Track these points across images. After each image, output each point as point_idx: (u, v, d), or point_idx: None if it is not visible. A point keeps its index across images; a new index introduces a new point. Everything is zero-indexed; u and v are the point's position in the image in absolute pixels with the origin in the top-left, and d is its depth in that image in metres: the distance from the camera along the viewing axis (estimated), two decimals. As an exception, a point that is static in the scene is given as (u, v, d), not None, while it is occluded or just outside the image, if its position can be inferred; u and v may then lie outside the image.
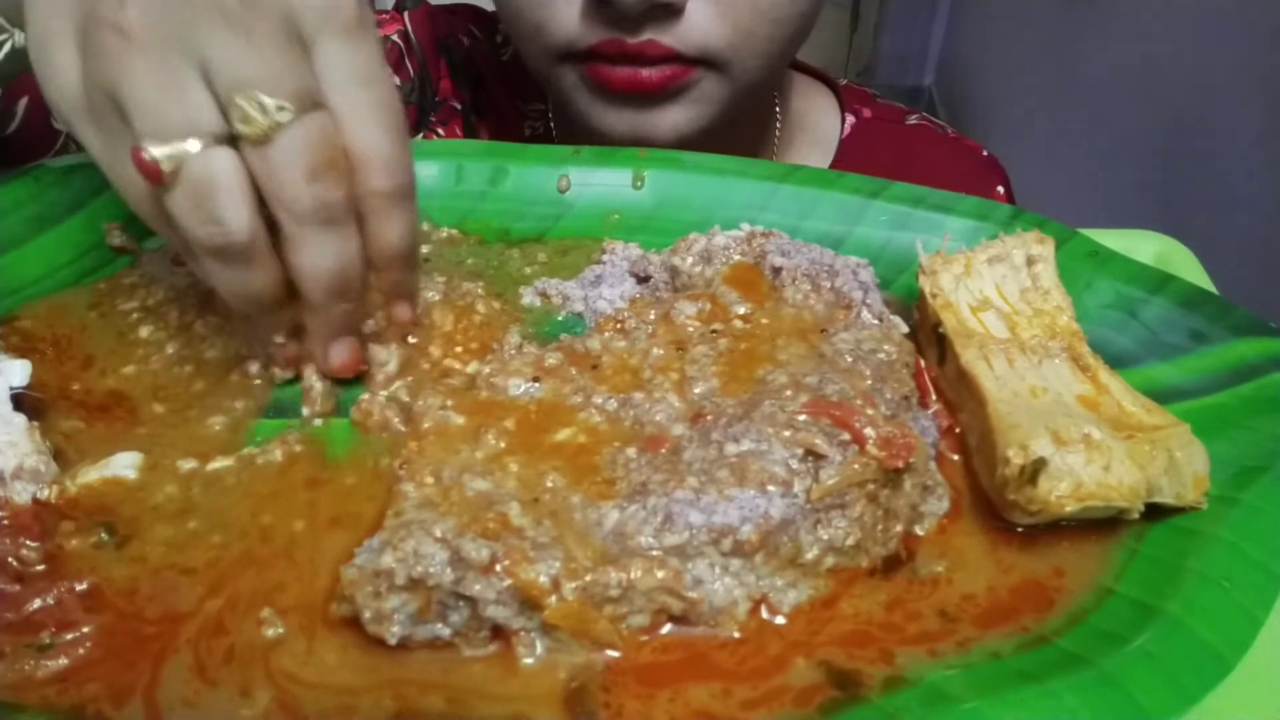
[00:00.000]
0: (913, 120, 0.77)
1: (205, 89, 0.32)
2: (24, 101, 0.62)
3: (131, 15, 0.31)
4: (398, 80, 0.72)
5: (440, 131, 0.73)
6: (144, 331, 0.43)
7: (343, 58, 0.34)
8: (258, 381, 0.41)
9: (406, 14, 0.75)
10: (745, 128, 0.71)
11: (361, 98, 0.35)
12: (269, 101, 0.32)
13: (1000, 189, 0.74)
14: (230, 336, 0.42)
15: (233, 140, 0.33)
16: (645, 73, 0.56)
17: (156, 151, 0.32)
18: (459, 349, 0.42)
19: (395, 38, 0.72)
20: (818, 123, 0.76)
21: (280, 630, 0.31)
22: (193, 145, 0.32)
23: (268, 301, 0.36)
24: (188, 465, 0.37)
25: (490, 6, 0.75)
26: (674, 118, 0.59)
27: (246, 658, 0.30)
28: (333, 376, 0.40)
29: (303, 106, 0.33)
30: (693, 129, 0.60)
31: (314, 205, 0.34)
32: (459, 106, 0.74)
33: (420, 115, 0.73)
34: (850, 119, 0.76)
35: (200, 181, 0.32)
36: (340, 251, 0.35)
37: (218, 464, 0.37)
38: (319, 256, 0.35)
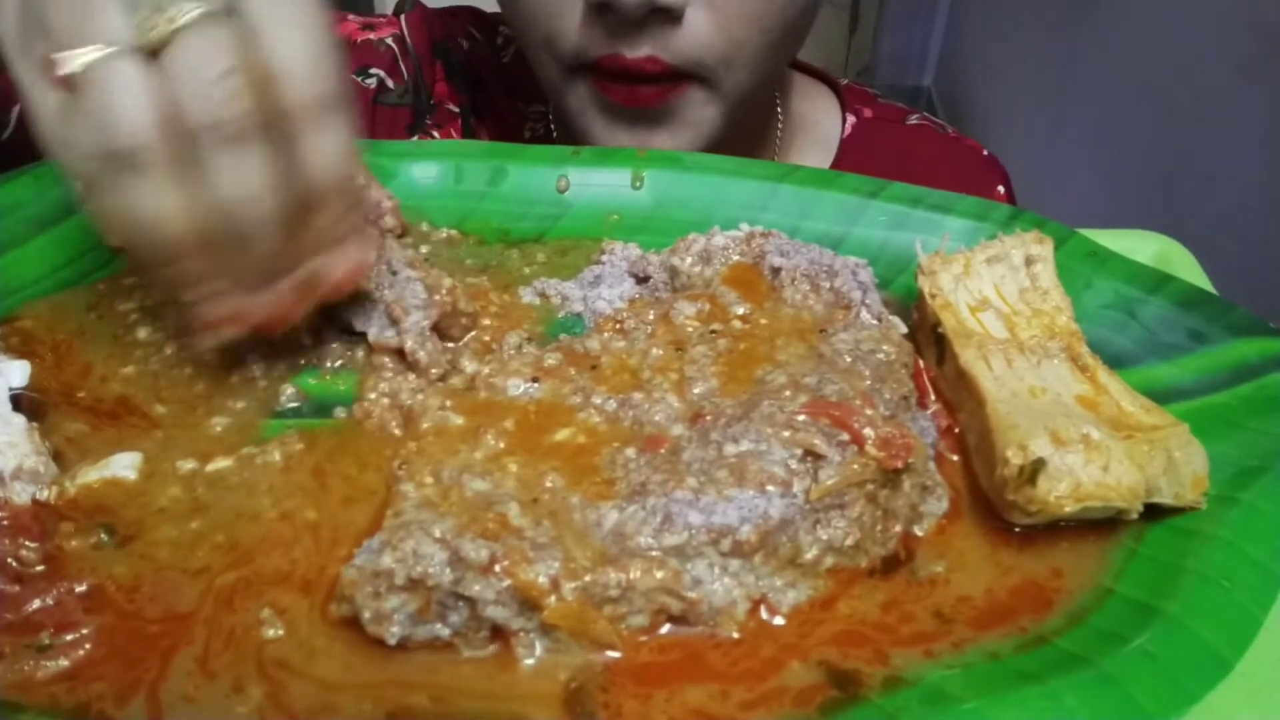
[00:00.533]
0: (913, 120, 0.77)
1: (121, 7, 0.30)
2: (17, 110, 0.62)
3: None
4: (391, 83, 0.72)
5: (436, 135, 0.73)
6: (143, 333, 0.43)
7: None
8: (263, 383, 0.40)
9: (403, 17, 0.75)
10: (747, 128, 0.71)
11: (277, 5, 0.32)
12: (171, 6, 0.30)
13: (1000, 188, 0.74)
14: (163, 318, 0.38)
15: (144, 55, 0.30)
16: (644, 90, 0.57)
17: (62, 56, 0.30)
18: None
19: (390, 41, 0.72)
20: (819, 123, 0.76)
21: (280, 630, 0.31)
22: (97, 52, 0.30)
23: (172, 232, 0.31)
24: (188, 465, 0.37)
25: (489, 8, 0.75)
26: (672, 134, 0.60)
27: (246, 657, 0.30)
28: (268, 338, 0.35)
29: (207, 15, 0.30)
30: (692, 146, 0.61)
31: (219, 113, 0.30)
32: (456, 110, 0.74)
33: (415, 118, 0.73)
34: (851, 119, 0.76)
35: (100, 85, 0.30)
36: (248, 168, 0.31)
37: (218, 464, 0.37)
38: (224, 176, 0.31)
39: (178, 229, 0.32)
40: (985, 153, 0.76)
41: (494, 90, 0.76)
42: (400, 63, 0.72)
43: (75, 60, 0.30)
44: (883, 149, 0.75)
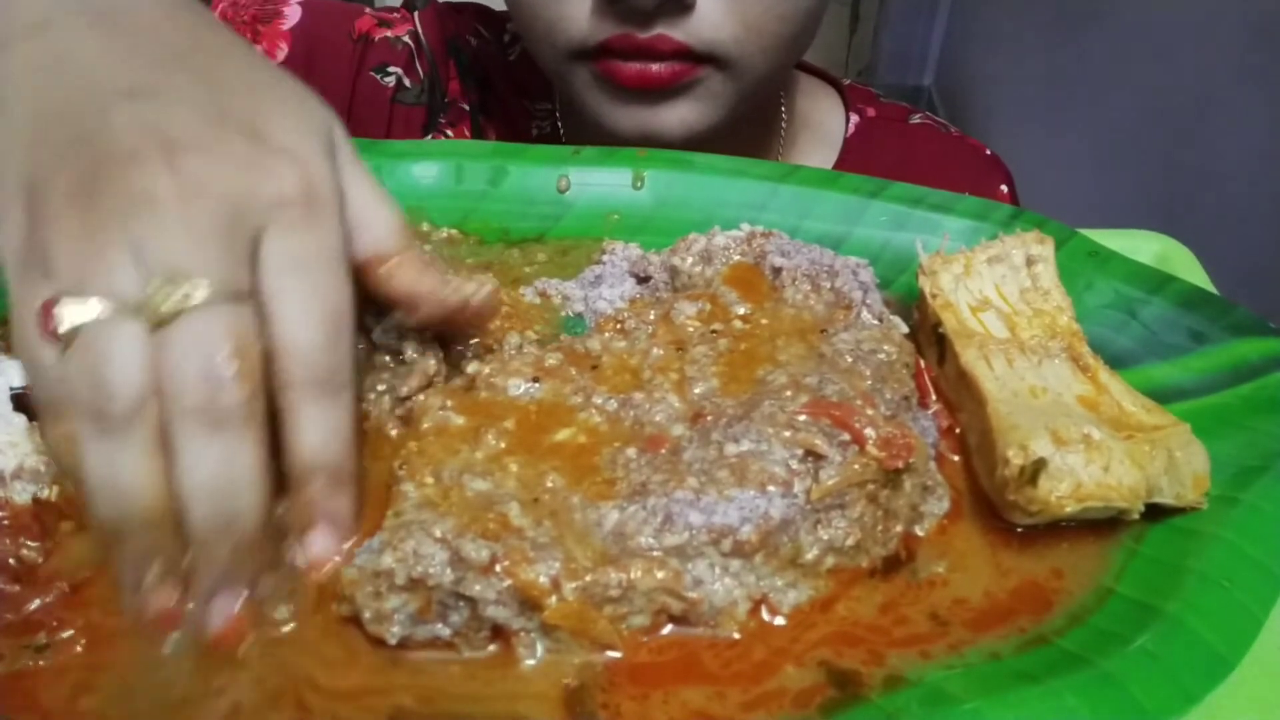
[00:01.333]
0: (916, 119, 0.78)
1: (131, 264, 0.29)
2: None
3: (82, 183, 0.30)
4: (408, 82, 0.72)
5: (449, 133, 0.74)
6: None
7: (281, 247, 0.31)
8: None
9: (416, 14, 0.75)
10: (751, 127, 0.71)
11: (292, 285, 0.31)
12: (185, 283, 0.29)
13: (1004, 188, 0.74)
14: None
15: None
16: (655, 68, 0.57)
17: (63, 309, 0.29)
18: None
19: (406, 38, 0.73)
20: (822, 122, 0.77)
21: (279, 630, 0.31)
22: (100, 307, 0.29)
23: (140, 506, 0.29)
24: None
25: (495, 5, 0.75)
26: (682, 114, 0.59)
27: (246, 656, 0.30)
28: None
29: (224, 296, 0.29)
30: (702, 126, 0.60)
31: (201, 401, 0.29)
32: (467, 107, 0.75)
33: (430, 117, 0.73)
34: (854, 118, 0.76)
35: (94, 343, 0.29)
36: (227, 462, 0.29)
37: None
38: (200, 467, 0.29)
39: (148, 504, 0.29)
40: (988, 152, 0.76)
41: (501, 88, 0.76)
42: (416, 61, 0.73)
43: (77, 314, 0.29)
44: (885, 148, 0.75)
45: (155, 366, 0.29)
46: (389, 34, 0.72)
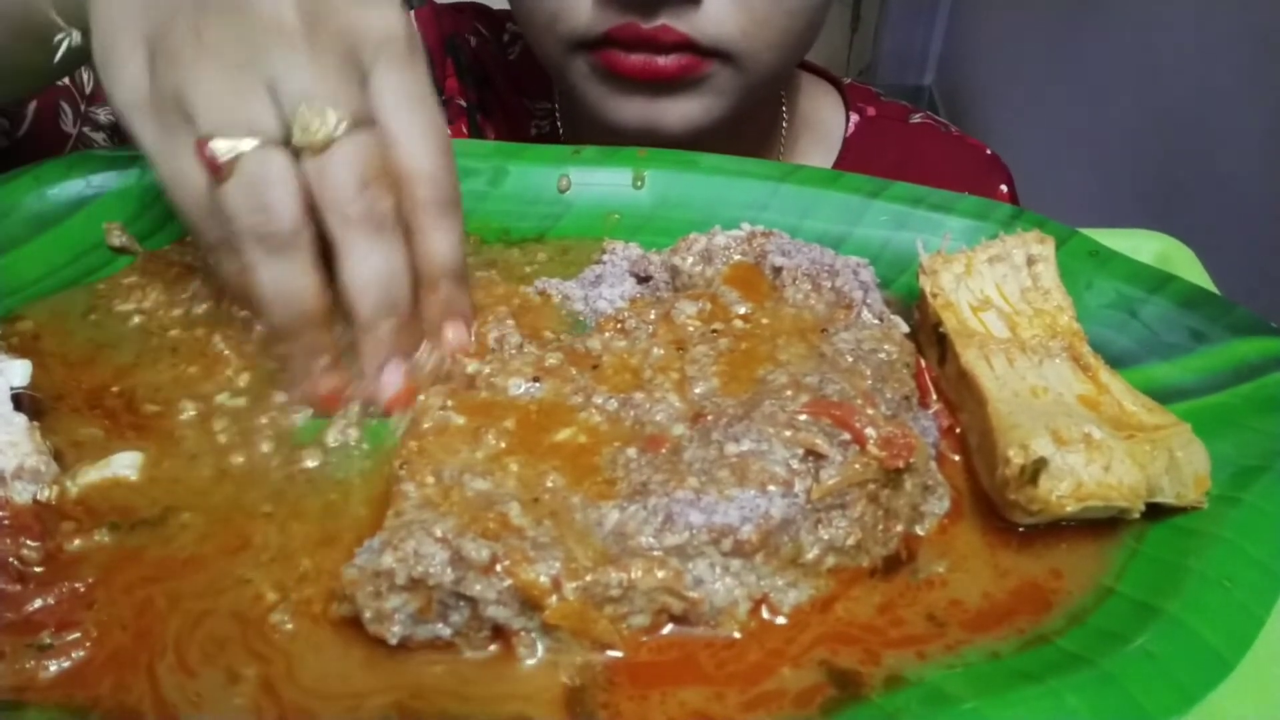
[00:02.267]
0: (916, 119, 0.77)
1: (269, 99, 0.34)
2: (33, 105, 0.62)
3: (209, 29, 0.34)
4: None
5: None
6: (144, 331, 0.43)
7: (394, 82, 0.36)
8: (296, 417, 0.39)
9: (412, 13, 0.75)
10: (753, 125, 0.71)
11: (411, 119, 0.37)
12: (330, 113, 0.34)
13: (1004, 188, 0.74)
14: (267, 366, 0.40)
15: (289, 149, 0.35)
16: (660, 60, 0.56)
17: (218, 144, 0.34)
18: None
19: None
20: (823, 121, 0.76)
21: (281, 630, 0.31)
22: (251, 143, 0.34)
23: (309, 308, 0.36)
24: (189, 464, 0.37)
25: (495, 4, 0.75)
26: (686, 108, 0.59)
27: (247, 656, 0.30)
28: (381, 413, 0.38)
29: (356, 123, 0.35)
30: (705, 120, 0.60)
31: (364, 210, 0.35)
32: (464, 105, 0.74)
33: None
34: (855, 117, 0.76)
35: (255, 173, 0.34)
36: (388, 258, 0.36)
37: (218, 462, 0.37)
38: (368, 262, 0.36)
39: (316, 306, 0.36)
40: (988, 152, 0.76)
41: (500, 87, 0.76)
42: None
43: (233, 147, 0.34)
44: (886, 147, 0.75)
45: (308, 188, 0.35)
46: None
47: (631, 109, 0.59)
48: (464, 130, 0.74)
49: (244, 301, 0.39)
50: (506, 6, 0.66)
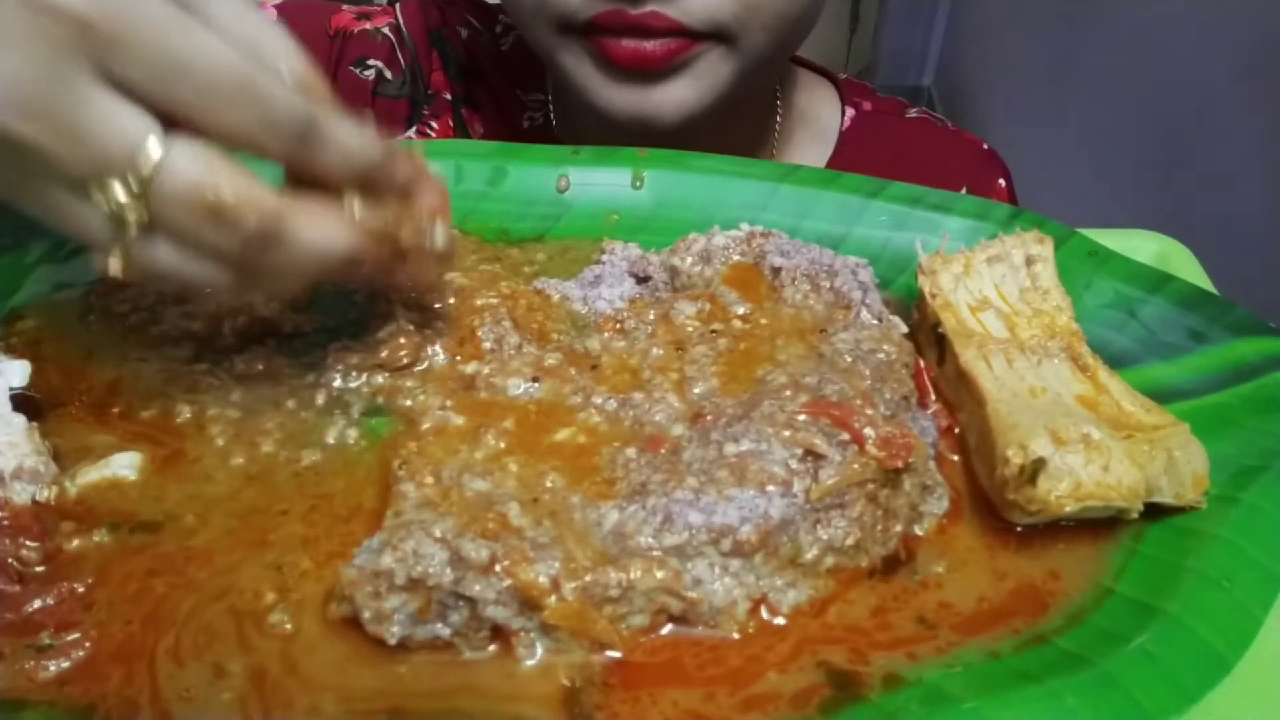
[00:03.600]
0: (912, 114, 0.77)
1: (109, 119, 0.29)
2: None
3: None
4: (389, 74, 0.71)
5: (434, 125, 0.73)
6: (142, 332, 0.43)
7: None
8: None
9: (398, 6, 0.74)
10: (747, 118, 0.71)
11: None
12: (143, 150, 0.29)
13: (1001, 182, 0.74)
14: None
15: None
16: (649, 45, 0.55)
17: (112, 192, 0.29)
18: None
19: (386, 31, 0.72)
20: (818, 116, 0.76)
21: (280, 630, 0.31)
22: (122, 193, 0.29)
23: (346, 258, 0.33)
24: (187, 465, 0.37)
25: (487, -2, 0.74)
26: (678, 94, 0.58)
27: (248, 657, 0.30)
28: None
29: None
30: (698, 107, 0.59)
31: (212, 237, 0.31)
32: (450, 99, 0.74)
33: (412, 108, 0.72)
34: (850, 112, 0.76)
35: (165, 172, 0.29)
36: (356, 130, 0.33)
37: (217, 463, 0.37)
38: (347, 137, 0.32)
39: (340, 249, 0.33)
40: (985, 146, 0.76)
41: (493, 78, 0.76)
42: (398, 53, 0.72)
43: (123, 190, 0.29)
44: (881, 142, 0.74)
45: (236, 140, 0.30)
46: (368, 26, 0.72)
47: (623, 96, 0.58)
48: (449, 125, 0.73)
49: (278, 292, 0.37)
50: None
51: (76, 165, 0.29)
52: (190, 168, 0.29)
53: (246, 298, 0.39)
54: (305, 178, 0.33)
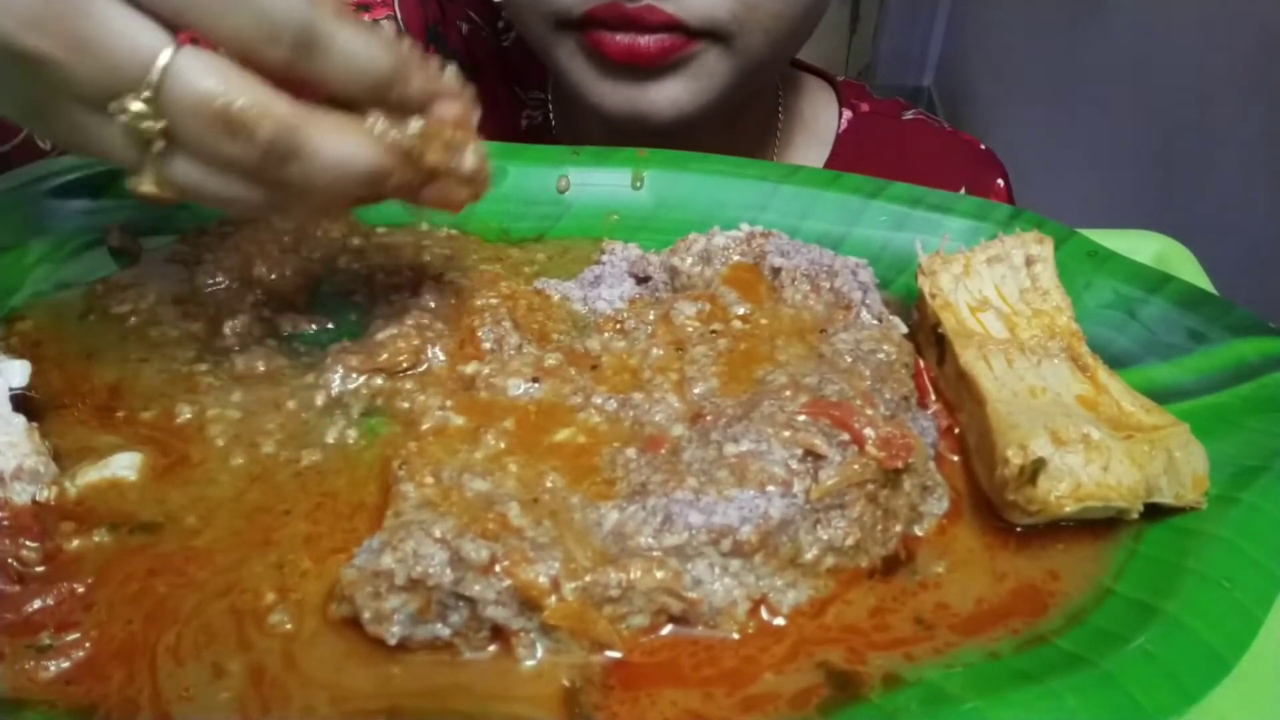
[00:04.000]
0: (909, 115, 0.77)
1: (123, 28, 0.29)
2: None
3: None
4: None
5: None
6: (142, 332, 0.43)
7: None
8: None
9: (397, 1, 0.74)
10: (749, 126, 0.71)
11: None
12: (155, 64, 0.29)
13: (999, 182, 0.73)
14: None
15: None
16: (644, 41, 0.55)
17: (127, 101, 0.29)
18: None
19: (384, 23, 0.71)
20: (816, 118, 0.76)
21: (280, 629, 0.31)
22: (139, 106, 0.29)
23: (368, 174, 0.32)
24: (187, 466, 0.37)
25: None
26: (673, 92, 0.58)
27: (246, 656, 0.30)
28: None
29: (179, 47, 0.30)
30: (693, 106, 0.58)
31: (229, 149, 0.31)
32: None
33: None
34: (847, 114, 0.76)
35: (174, 78, 0.29)
36: (363, 33, 0.32)
37: (217, 464, 0.37)
38: (353, 44, 0.31)
39: (364, 164, 0.32)
40: (982, 147, 0.76)
41: (491, 76, 0.75)
42: None
43: (139, 99, 0.29)
44: (879, 144, 0.74)
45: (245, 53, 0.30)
46: (365, 18, 0.71)
47: (618, 94, 0.58)
48: None
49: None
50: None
51: (92, 80, 0.29)
52: (202, 77, 0.29)
53: (281, 219, 0.38)
54: (323, 98, 0.32)
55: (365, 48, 0.32)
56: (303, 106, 0.31)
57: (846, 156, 0.73)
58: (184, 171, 0.31)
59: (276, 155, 0.31)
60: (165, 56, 0.29)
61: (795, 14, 0.58)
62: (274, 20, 0.30)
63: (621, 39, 0.55)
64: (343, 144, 0.32)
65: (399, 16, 0.72)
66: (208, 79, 0.29)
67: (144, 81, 0.29)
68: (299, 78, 0.31)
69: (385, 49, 0.33)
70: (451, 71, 0.36)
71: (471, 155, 0.36)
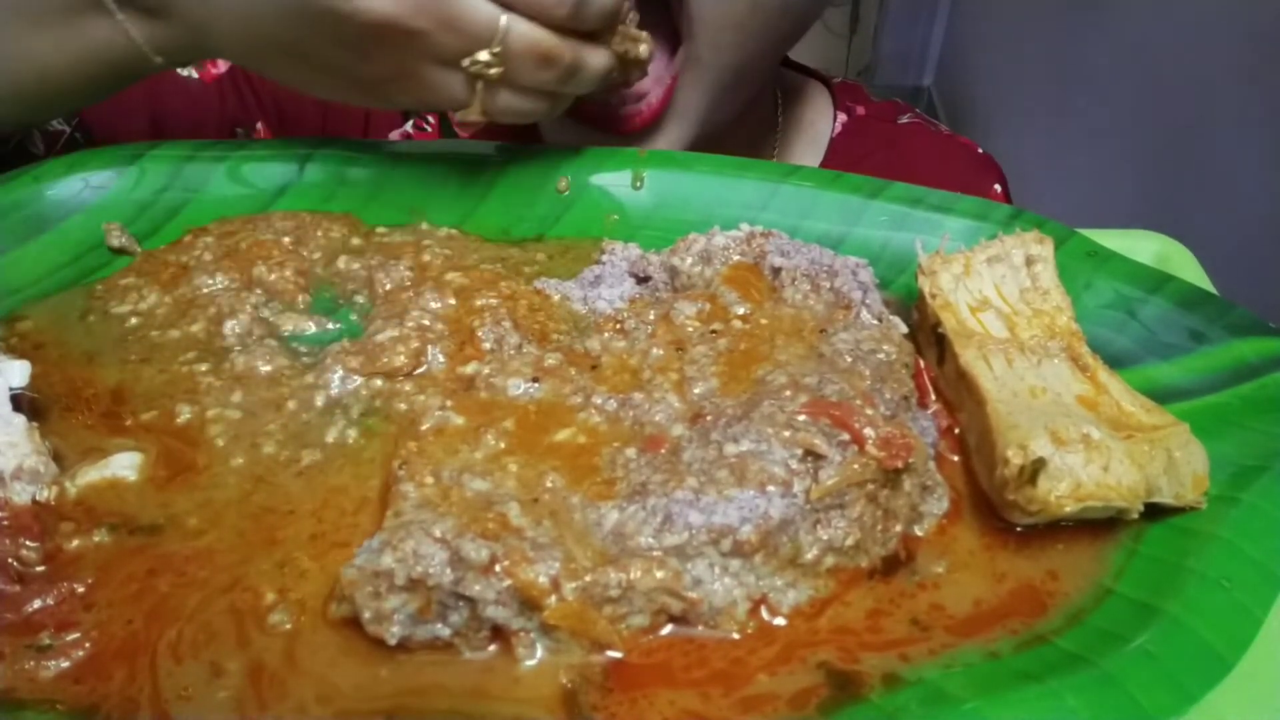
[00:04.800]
0: (906, 119, 0.77)
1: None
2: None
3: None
4: None
5: (430, 120, 0.72)
6: (142, 333, 0.43)
7: None
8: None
9: None
10: (745, 131, 0.70)
11: None
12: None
13: (997, 187, 0.73)
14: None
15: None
16: (634, 109, 0.55)
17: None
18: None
19: None
20: (813, 122, 0.76)
21: (280, 629, 0.31)
22: (486, 56, 0.43)
23: (605, 73, 0.47)
24: (187, 466, 0.37)
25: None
26: (669, 138, 0.57)
27: (245, 656, 0.30)
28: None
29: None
30: (690, 137, 0.58)
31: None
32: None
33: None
34: (842, 117, 0.75)
35: (522, 58, 0.43)
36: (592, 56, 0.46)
37: (217, 464, 0.37)
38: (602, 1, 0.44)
39: (603, 70, 0.47)
40: (980, 151, 0.75)
41: None
42: None
43: (486, 54, 0.43)
44: (874, 148, 0.74)
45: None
46: None
47: (610, 141, 0.57)
48: (435, 120, 0.73)
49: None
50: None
51: (453, 44, 0.42)
52: (529, 32, 0.43)
53: (550, 117, 0.49)
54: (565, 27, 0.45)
55: (610, 3, 0.45)
56: (573, 40, 0.45)
57: (841, 161, 0.73)
58: (504, 99, 0.45)
59: (567, 75, 0.45)
60: (504, 21, 0.42)
61: (755, 24, 0.56)
62: None
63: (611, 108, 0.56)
64: (599, 59, 0.46)
65: None
66: (535, 32, 0.43)
67: (495, 39, 0.42)
68: (570, 26, 0.44)
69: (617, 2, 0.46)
70: None
71: (644, 45, 0.49)
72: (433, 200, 0.51)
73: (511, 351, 0.41)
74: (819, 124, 0.75)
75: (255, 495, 0.36)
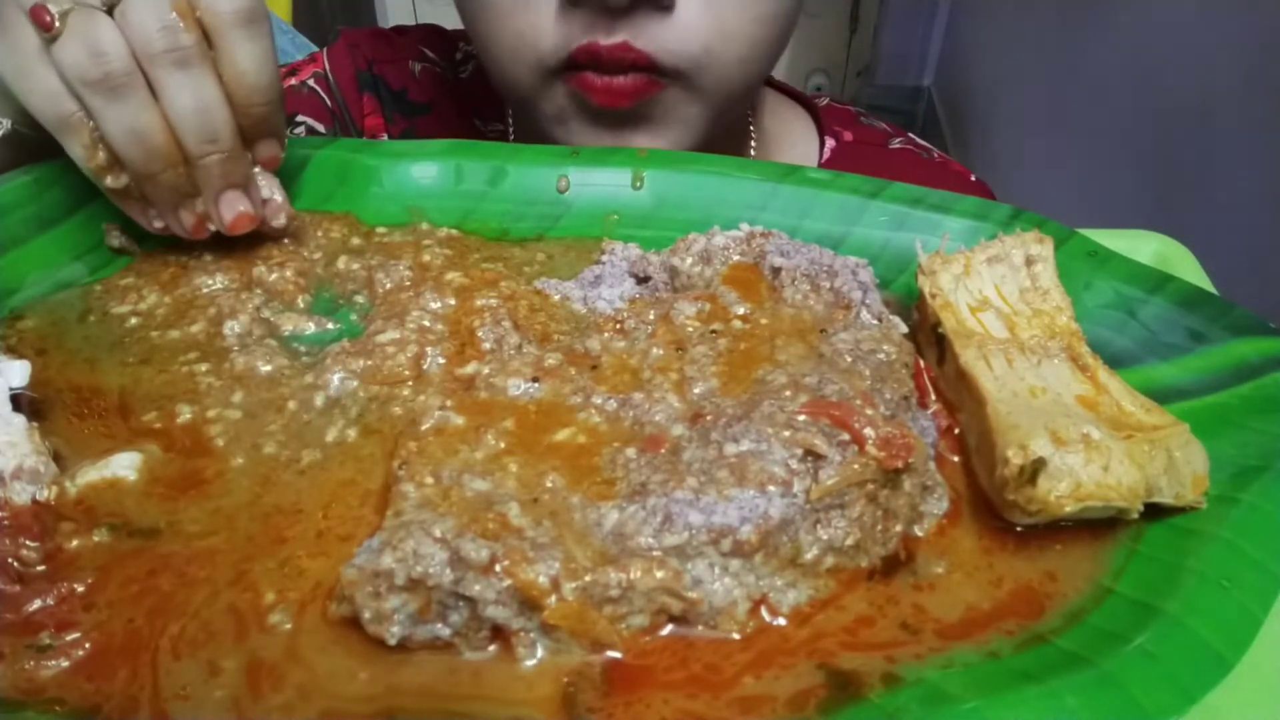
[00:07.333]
0: (897, 144, 0.75)
1: None
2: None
3: None
4: (322, 128, 0.71)
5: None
6: (142, 333, 0.43)
7: None
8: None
9: (325, 52, 0.74)
10: (719, 148, 0.69)
11: None
12: None
13: None
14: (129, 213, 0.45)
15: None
16: (618, 81, 0.54)
17: (49, 5, 0.39)
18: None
19: (311, 83, 0.71)
20: (794, 145, 0.74)
21: (279, 629, 0.31)
22: (71, 3, 0.39)
23: (157, 143, 0.40)
24: (186, 466, 0.37)
25: (449, 25, 0.74)
26: (648, 142, 0.57)
27: (244, 655, 0.30)
28: (230, 234, 0.45)
29: None
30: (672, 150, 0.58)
31: (166, 46, 0.39)
32: (388, 139, 0.73)
33: None
34: (830, 142, 0.74)
35: (83, 25, 0.39)
36: (197, 91, 0.40)
37: (216, 464, 0.37)
38: (180, 99, 0.40)
39: (161, 140, 0.40)
40: (973, 178, 0.74)
41: (445, 110, 0.74)
42: (327, 102, 0.71)
43: (60, 7, 0.39)
44: (864, 175, 0.73)
45: (124, 34, 0.39)
46: (293, 82, 0.71)
47: (601, 140, 0.58)
48: None
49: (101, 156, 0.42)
50: (459, 26, 0.64)
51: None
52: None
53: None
54: None
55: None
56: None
57: None
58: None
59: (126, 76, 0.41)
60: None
61: (769, 34, 0.57)
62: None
63: (601, 81, 0.55)
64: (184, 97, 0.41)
65: (328, 70, 0.73)
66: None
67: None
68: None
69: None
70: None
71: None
72: (432, 200, 0.51)
73: (511, 351, 0.41)
74: (801, 147, 0.74)
75: (266, 497, 0.36)
